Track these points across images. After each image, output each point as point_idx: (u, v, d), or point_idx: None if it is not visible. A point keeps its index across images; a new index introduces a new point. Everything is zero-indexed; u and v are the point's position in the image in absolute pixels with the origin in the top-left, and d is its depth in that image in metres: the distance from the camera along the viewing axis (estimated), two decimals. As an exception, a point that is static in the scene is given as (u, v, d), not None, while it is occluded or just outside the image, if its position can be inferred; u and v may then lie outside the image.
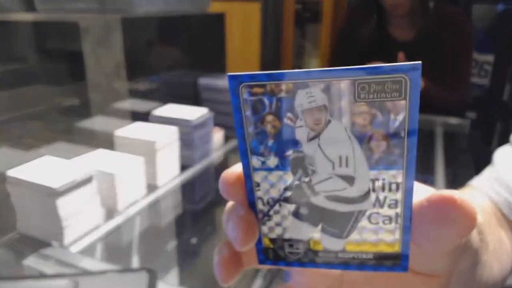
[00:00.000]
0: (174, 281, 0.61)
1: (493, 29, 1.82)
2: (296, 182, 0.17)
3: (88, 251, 0.62)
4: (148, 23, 1.07)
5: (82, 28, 0.96)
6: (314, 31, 2.64)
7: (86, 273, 0.55)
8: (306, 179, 0.17)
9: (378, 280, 0.22)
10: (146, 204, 0.76)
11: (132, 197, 0.75)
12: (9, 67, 0.96)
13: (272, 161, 0.17)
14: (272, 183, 0.18)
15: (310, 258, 0.19)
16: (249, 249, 0.20)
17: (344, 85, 0.15)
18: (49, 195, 0.59)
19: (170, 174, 0.85)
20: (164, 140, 0.81)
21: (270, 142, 0.17)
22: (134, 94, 1.02)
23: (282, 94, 0.16)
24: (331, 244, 0.18)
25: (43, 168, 0.63)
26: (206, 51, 1.33)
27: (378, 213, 0.17)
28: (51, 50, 1.04)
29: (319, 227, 0.18)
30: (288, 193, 0.18)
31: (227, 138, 1.07)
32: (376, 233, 0.17)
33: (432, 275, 0.21)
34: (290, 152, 0.17)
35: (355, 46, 1.39)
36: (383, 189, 0.16)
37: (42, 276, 0.54)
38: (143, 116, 0.94)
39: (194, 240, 0.72)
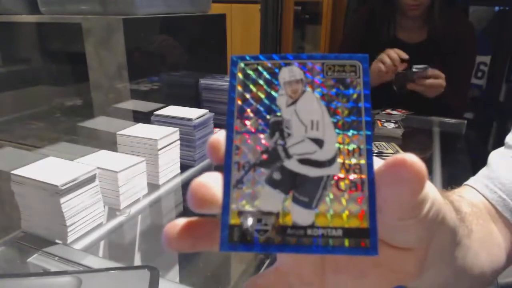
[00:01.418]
0: (175, 278, 0.62)
1: (490, 30, 1.83)
2: (273, 145, 0.19)
3: (91, 249, 0.63)
4: (149, 25, 1.07)
5: (84, 29, 0.97)
6: (314, 33, 2.65)
7: (89, 270, 0.56)
8: (282, 142, 0.19)
9: None
10: (147, 203, 0.78)
11: (134, 196, 0.76)
12: (13, 68, 0.97)
13: (254, 124, 0.20)
14: (251, 145, 0.19)
15: (277, 237, 0.18)
16: (212, 233, 0.20)
17: (317, 65, 0.20)
18: (52, 194, 0.60)
19: (171, 173, 0.86)
20: (166, 140, 0.83)
21: (255, 107, 0.20)
22: (136, 94, 1.03)
23: (270, 70, 0.20)
24: (301, 216, 0.18)
25: (47, 168, 0.64)
26: (207, 52, 1.33)
27: (344, 178, 0.19)
28: (54, 51, 1.04)
29: (290, 196, 0.19)
30: (264, 156, 0.19)
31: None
32: (345, 203, 0.18)
33: (407, 248, 0.21)
34: (271, 116, 0.20)
35: (364, 49, 1.39)
36: (348, 153, 0.19)
37: (46, 273, 0.55)
38: (145, 117, 0.94)
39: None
